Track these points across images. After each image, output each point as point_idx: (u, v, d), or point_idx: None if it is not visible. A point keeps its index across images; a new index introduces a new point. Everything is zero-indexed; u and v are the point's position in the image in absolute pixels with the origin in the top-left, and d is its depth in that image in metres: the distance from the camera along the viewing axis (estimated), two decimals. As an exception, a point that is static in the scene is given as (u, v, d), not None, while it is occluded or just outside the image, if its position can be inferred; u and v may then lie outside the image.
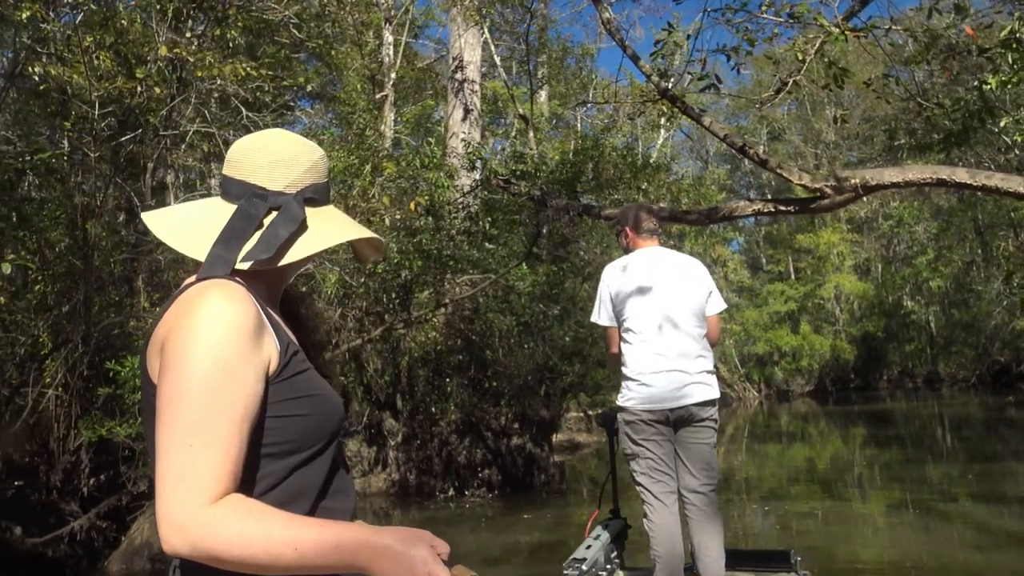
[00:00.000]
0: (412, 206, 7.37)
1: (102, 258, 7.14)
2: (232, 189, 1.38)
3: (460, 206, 9.31)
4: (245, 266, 1.30)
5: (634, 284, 4.08)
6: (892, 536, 7.58)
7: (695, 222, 7.45)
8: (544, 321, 10.30)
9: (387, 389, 11.98)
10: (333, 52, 11.94)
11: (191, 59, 5.75)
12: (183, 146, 6.80)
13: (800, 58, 6.26)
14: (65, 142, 6.72)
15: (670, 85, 7.12)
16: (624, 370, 4.06)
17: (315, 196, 1.40)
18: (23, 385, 7.39)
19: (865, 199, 34.12)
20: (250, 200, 1.35)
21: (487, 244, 10.15)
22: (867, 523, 8.31)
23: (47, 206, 7.48)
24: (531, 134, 12.58)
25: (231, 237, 1.32)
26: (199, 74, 5.86)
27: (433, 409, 11.42)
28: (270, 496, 1.25)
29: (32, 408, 7.37)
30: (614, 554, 4.31)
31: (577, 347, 11.89)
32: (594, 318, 4.23)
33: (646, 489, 3.98)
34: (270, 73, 7.20)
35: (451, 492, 11.22)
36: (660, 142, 32.19)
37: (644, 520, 4.00)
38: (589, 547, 4.10)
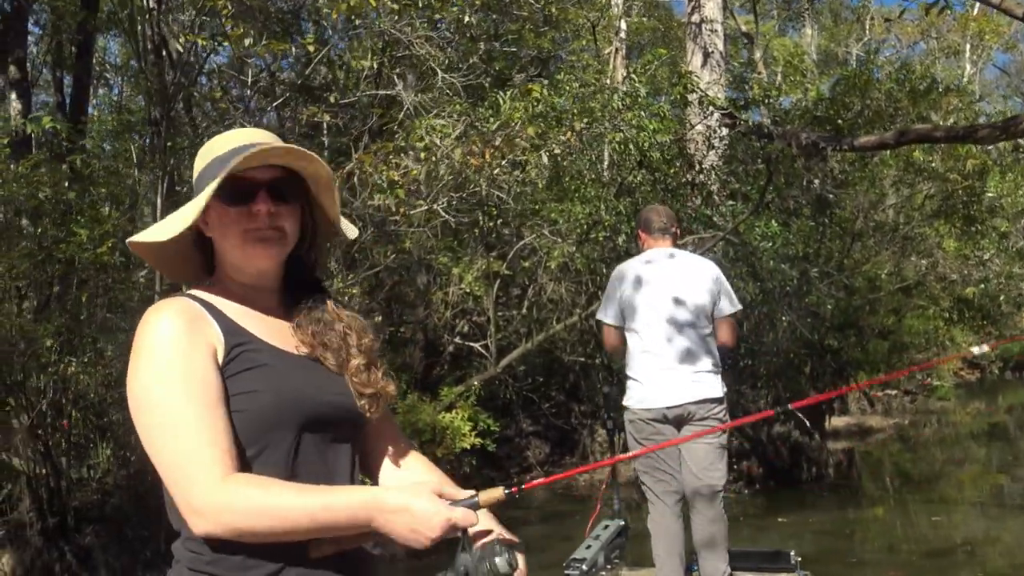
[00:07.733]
0: (567, 134, 6.33)
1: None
2: None
3: (679, 151, 7.99)
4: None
5: (639, 285, 4.08)
6: None
7: (986, 140, 5.59)
8: (802, 287, 8.59)
9: (630, 370, 11.00)
10: (554, 9, 11.06)
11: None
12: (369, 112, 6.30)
13: None
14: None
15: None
16: (627, 370, 4.12)
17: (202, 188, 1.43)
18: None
19: None
20: None
21: (728, 201, 8.71)
22: None
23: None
24: (758, 55, 10.71)
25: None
26: (333, 13, 5.27)
27: (679, 391, 10.16)
28: None
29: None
30: (615, 554, 4.33)
31: (850, 317, 9.96)
32: (599, 315, 4.25)
33: (648, 488, 4.03)
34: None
35: (704, 486, 9.90)
36: (965, 79, 27.77)
37: (648, 519, 4.07)
38: (589, 547, 4.11)
